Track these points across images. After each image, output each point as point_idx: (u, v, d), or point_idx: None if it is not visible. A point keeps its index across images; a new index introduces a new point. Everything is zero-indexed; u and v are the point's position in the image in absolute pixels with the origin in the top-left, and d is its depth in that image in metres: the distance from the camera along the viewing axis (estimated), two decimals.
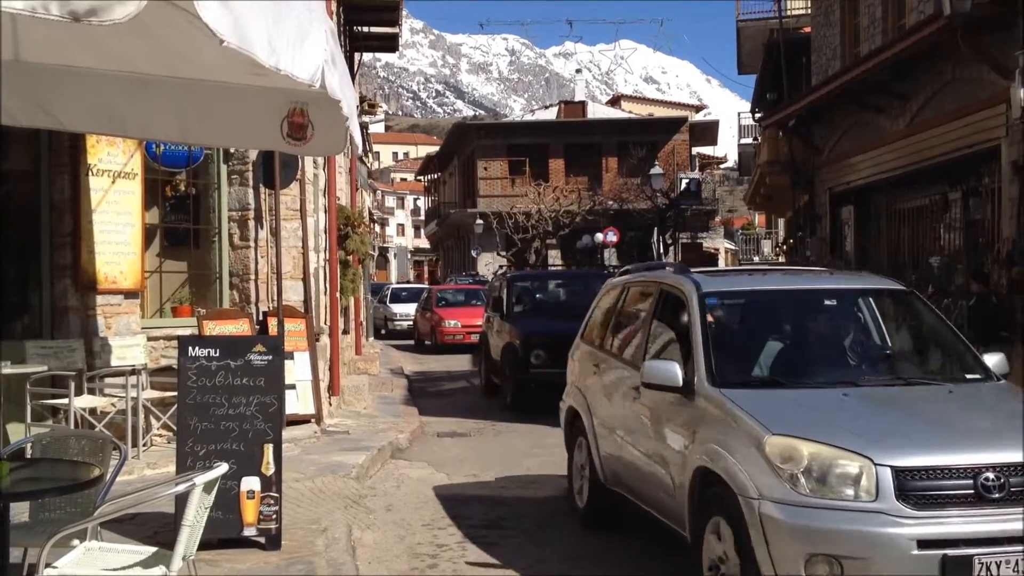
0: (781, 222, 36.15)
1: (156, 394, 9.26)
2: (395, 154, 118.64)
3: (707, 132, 49.71)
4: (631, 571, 6.46)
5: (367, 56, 22.16)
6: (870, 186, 17.71)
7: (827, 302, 6.70)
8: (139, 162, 9.41)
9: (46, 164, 9.02)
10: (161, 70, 5.61)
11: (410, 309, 29.88)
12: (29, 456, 5.21)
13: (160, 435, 9.46)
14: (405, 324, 30.17)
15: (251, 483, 6.31)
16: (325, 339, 12.23)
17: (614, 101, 63.99)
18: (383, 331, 31.47)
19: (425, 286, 33.92)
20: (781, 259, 29.13)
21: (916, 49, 13.79)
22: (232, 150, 10.52)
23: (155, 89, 5.94)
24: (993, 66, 12.29)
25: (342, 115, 5.00)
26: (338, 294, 13.94)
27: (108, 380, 9.05)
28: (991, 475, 4.50)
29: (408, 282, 50.73)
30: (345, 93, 4.77)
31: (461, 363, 22.16)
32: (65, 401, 8.38)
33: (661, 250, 35.76)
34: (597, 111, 51.80)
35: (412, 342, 28.10)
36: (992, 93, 12.58)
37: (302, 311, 11.09)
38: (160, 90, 5.94)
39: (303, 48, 4.07)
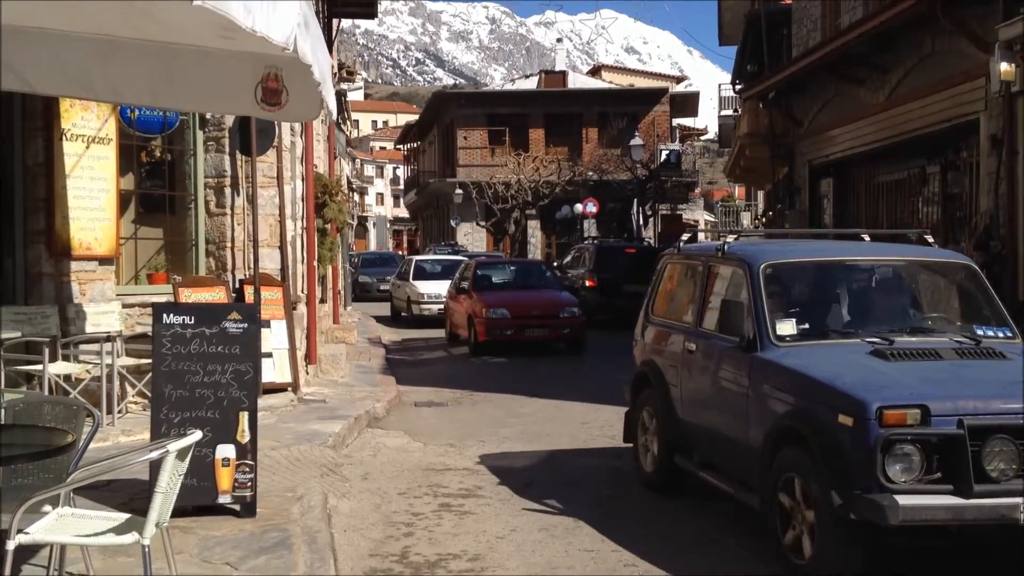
0: (761, 194, 36.23)
1: (131, 361, 9.23)
2: (374, 122, 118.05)
3: (688, 103, 49.66)
4: None
5: (346, 23, 21.94)
6: (849, 159, 17.77)
7: None
8: (113, 127, 9.32)
9: (19, 128, 8.92)
10: (131, 32, 5.53)
11: (443, 289, 22.37)
12: (1, 422, 5.17)
13: (135, 402, 9.43)
14: (435, 308, 22.72)
15: (226, 451, 6.30)
16: (302, 308, 12.19)
17: (595, 71, 63.82)
18: (403, 313, 24.84)
19: (460, 259, 25.88)
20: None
21: (896, 21, 13.79)
22: (208, 116, 10.42)
23: (126, 52, 5.86)
24: (973, 39, 12.31)
25: (315, 80, 4.94)
26: (315, 263, 13.87)
27: (83, 347, 9.01)
28: None
29: (454, 250, 36.25)
30: (318, 57, 4.71)
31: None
32: (39, 367, 8.33)
33: (641, 222, 35.82)
34: (578, 81, 51.67)
35: (443, 333, 20.79)
36: (972, 66, 12.60)
37: (279, 279, 11.04)
38: (131, 53, 5.86)
39: (277, 9, 4.02)
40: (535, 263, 22.48)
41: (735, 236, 7.30)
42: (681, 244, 8.03)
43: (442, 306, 21.64)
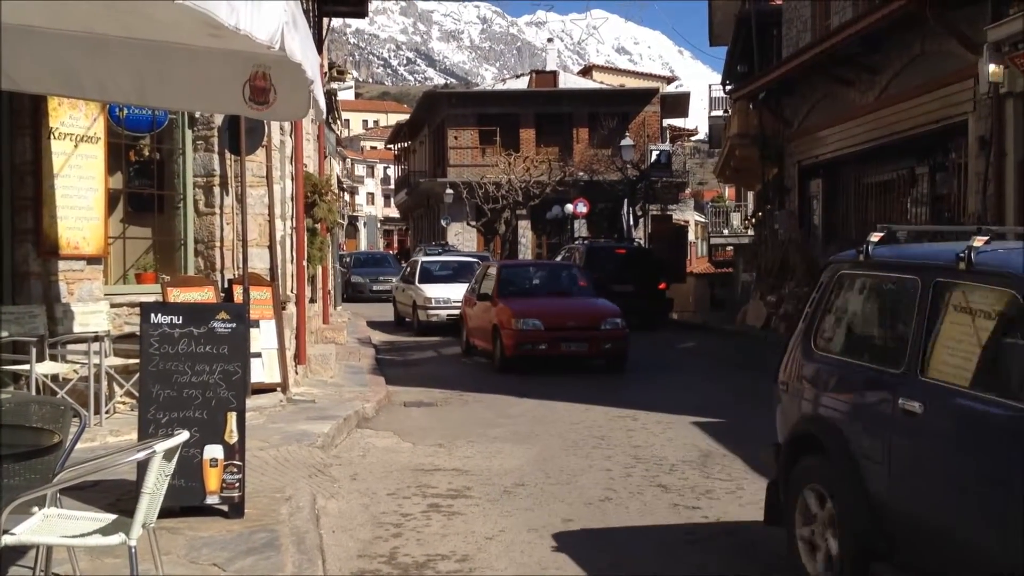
0: (751, 195, 36.29)
1: (119, 361, 9.19)
2: (365, 122, 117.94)
3: (678, 104, 49.68)
4: None
5: (336, 22, 21.87)
6: (839, 160, 17.82)
7: None
8: (102, 126, 9.28)
9: (7, 127, 8.87)
10: (119, 30, 5.51)
11: (452, 292, 20.80)
12: None
13: (123, 402, 9.39)
14: (444, 314, 20.87)
15: (214, 451, 6.27)
16: (291, 307, 12.16)
17: (586, 71, 63.77)
18: (408, 319, 22.95)
19: (470, 259, 24.25)
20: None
21: (886, 22, 13.84)
22: (197, 115, 10.39)
23: (114, 50, 5.83)
24: (961, 40, 12.35)
25: (305, 79, 4.93)
26: (305, 262, 13.85)
27: (70, 347, 8.97)
28: None
29: (444, 250, 32.26)
30: (307, 56, 4.69)
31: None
32: (26, 367, 8.29)
33: (631, 222, 35.82)
34: (568, 81, 51.64)
35: (437, 337, 19.97)
36: (960, 68, 12.65)
37: (268, 279, 11.01)
38: (119, 51, 5.84)
39: (262, 8, 4.00)
40: (567, 266, 19.84)
41: (984, 239, 4.60)
42: (870, 247, 5.34)
43: (452, 312, 20.05)
